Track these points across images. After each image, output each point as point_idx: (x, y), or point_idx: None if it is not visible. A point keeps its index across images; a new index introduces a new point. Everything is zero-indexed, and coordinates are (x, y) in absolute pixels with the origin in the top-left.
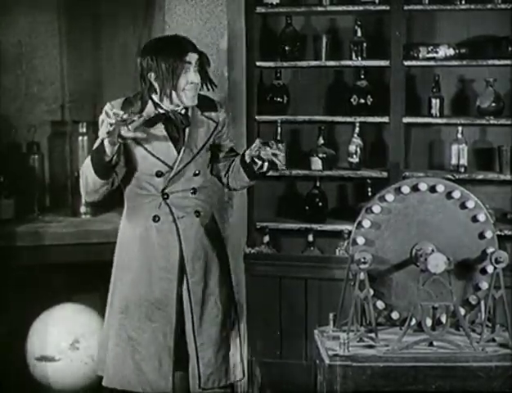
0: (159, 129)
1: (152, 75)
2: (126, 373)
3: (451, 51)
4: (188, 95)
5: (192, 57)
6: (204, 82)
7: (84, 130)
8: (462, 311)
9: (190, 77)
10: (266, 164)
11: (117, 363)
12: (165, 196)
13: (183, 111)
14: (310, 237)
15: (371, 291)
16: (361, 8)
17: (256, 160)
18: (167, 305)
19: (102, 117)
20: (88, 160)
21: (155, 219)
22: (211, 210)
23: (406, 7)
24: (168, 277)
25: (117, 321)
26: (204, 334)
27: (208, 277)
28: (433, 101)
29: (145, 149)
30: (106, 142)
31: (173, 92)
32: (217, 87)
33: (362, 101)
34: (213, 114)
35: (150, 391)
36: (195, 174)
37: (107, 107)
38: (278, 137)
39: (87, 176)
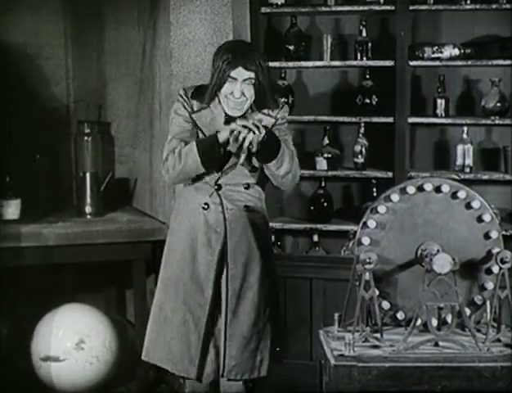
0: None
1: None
2: (158, 350)
3: (456, 52)
4: (229, 104)
5: (240, 73)
6: (259, 98)
7: (89, 130)
8: (467, 311)
9: (234, 89)
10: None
11: (153, 339)
12: (218, 187)
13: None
14: (315, 238)
15: (376, 292)
16: (366, 8)
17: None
18: (203, 292)
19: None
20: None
21: (205, 206)
22: (263, 207)
23: (411, 7)
24: (208, 265)
25: (158, 299)
26: (235, 327)
27: (249, 272)
28: (439, 101)
29: None
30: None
31: (222, 98)
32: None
33: (367, 101)
34: (271, 111)
35: (177, 373)
36: (252, 170)
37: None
38: None
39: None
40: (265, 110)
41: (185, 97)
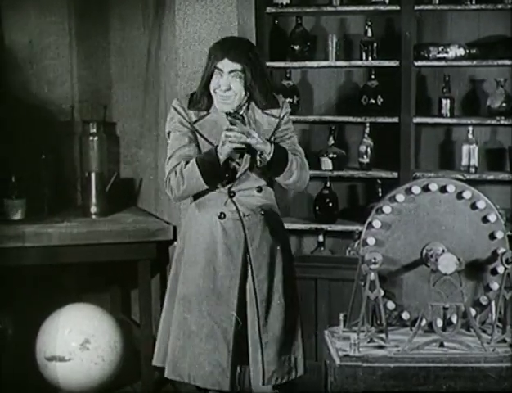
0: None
1: None
2: (185, 366)
3: (461, 52)
4: (218, 99)
5: (226, 65)
6: (249, 94)
7: (94, 130)
8: (473, 312)
9: (221, 82)
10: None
11: (177, 356)
12: (232, 194)
13: (241, 112)
14: (320, 238)
15: (382, 292)
16: (371, 8)
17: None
18: (228, 303)
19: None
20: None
21: (221, 216)
22: (275, 207)
23: (416, 7)
24: (231, 275)
25: (180, 314)
26: (269, 332)
27: (273, 274)
28: (444, 101)
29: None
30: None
31: (212, 93)
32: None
33: (373, 101)
34: (273, 110)
35: (209, 387)
36: (263, 173)
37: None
38: None
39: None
40: (267, 111)
41: (180, 109)
